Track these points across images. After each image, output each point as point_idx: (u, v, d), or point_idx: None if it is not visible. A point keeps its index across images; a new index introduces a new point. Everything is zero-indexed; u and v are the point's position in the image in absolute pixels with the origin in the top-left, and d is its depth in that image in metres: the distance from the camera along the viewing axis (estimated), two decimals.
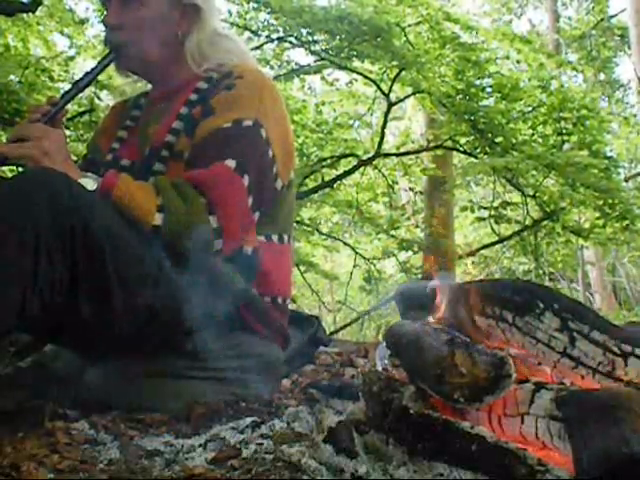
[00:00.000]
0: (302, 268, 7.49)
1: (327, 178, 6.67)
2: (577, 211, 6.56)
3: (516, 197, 7.08)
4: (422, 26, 6.08)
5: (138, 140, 1.60)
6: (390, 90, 6.00)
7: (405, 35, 5.82)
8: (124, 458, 1.02)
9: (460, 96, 5.92)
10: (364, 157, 6.51)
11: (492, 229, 7.25)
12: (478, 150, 6.31)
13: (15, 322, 1.18)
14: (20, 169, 1.45)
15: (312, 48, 5.76)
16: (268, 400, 1.36)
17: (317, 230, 7.69)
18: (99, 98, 5.36)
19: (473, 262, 10.43)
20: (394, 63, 5.53)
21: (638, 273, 12.42)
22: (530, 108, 6.20)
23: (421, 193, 8.55)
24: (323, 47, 5.71)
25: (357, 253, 7.93)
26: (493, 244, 8.40)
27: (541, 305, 0.89)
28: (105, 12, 1.59)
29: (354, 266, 8.17)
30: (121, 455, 1.04)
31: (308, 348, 1.74)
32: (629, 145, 9.22)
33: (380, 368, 1.10)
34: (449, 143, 6.57)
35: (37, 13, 4.72)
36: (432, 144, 6.87)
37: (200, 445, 1.08)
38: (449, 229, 8.00)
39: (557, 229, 6.78)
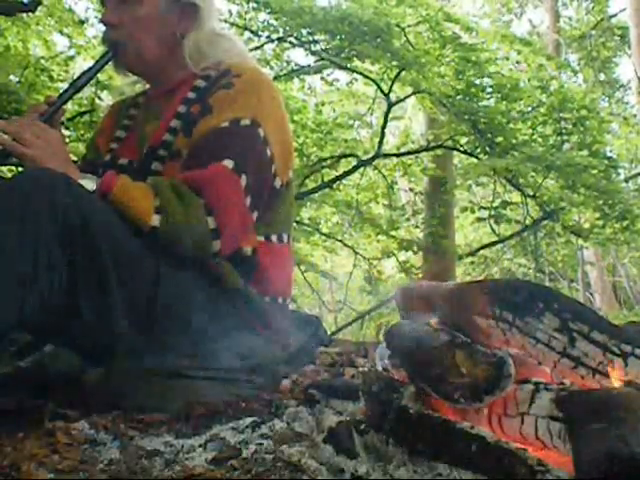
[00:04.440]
0: (302, 268, 7.49)
1: (327, 178, 6.67)
2: (577, 211, 6.56)
3: (516, 197, 7.09)
4: (422, 26, 6.08)
5: (136, 139, 1.60)
6: (390, 90, 6.00)
7: (405, 35, 5.82)
8: (124, 458, 1.02)
9: (460, 96, 5.93)
10: (364, 157, 6.51)
11: (492, 229, 7.25)
12: (478, 150, 6.31)
13: (15, 322, 1.18)
14: (20, 169, 1.45)
15: (312, 48, 5.76)
16: (268, 400, 1.36)
17: (317, 230, 7.69)
18: (99, 98, 5.36)
19: (473, 262, 10.43)
20: (394, 63, 5.53)
21: (638, 273, 12.42)
22: (530, 108, 6.20)
23: (421, 193, 8.55)
24: (323, 47, 5.71)
25: (357, 253, 7.94)
26: (493, 244, 8.41)
27: (541, 305, 0.89)
28: (104, 11, 1.58)
29: (354, 266, 8.18)
30: (121, 455, 1.04)
31: (308, 348, 1.74)
32: (629, 145, 9.21)
33: (380, 368, 1.10)
34: (449, 143, 6.58)
35: (37, 13, 4.72)
36: (432, 144, 6.87)
37: (200, 445, 1.08)
38: (449, 229, 8.00)
39: (557, 229, 6.79)
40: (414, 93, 6.15)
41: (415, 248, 7.79)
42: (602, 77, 14.02)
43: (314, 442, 1.02)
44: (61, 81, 5.47)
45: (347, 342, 3.06)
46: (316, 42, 5.69)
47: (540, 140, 6.22)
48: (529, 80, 6.55)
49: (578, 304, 0.91)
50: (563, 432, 0.80)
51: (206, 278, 1.40)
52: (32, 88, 4.98)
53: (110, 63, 1.60)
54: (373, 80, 6.14)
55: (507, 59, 6.69)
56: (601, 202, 5.76)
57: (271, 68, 6.17)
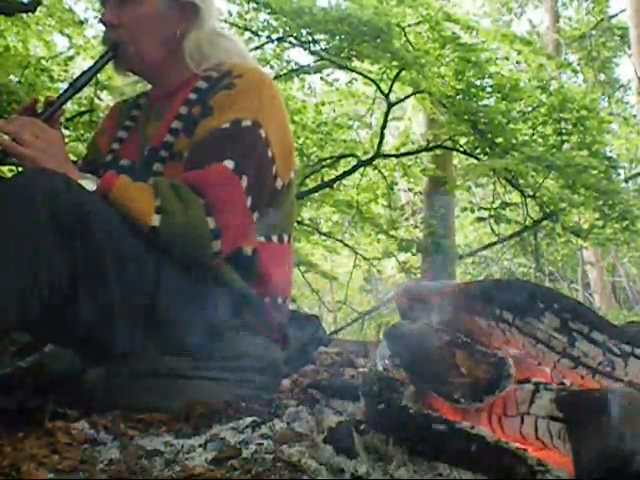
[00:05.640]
0: (302, 268, 7.49)
1: (327, 178, 6.67)
2: (577, 211, 6.56)
3: (516, 197, 7.09)
4: (422, 26, 6.08)
5: (137, 140, 1.60)
6: (390, 90, 6.00)
7: (405, 35, 5.82)
8: (124, 458, 1.02)
9: (460, 96, 5.92)
10: (364, 158, 6.51)
11: (492, 230, 7.25)
12: (478, 150, 6.31)
13: (15, 322, 1.18)
14: (20, 169, 1.45)
15: (312, 48, 5.76)
16: (268, 400, 1.36)
17: (317, 230, 7.69)
18: (99, 98, 5.36)
19: (473, 262, 10.43)
20: (394, 63, 5.52)
21: (638, 273, 12.43)
22: (530, 108, 6.20)
23: (421, 194, 8.55)
24: (323, 47, 5.71)
25: (357, 253, 7.93)
26: (493, 244, 8.41)
27: (541, 305, 0.90)
28: (103, 11, 1.58)
29: (354, 266, 8.17)
30: (121, 455, 1.04)
31: (308, 348, 1.74)
32: (629, 145, 9.22)
33: (380, 368, 1.10)
34: (449, 143, 6.57)
35: (37, 13, 4.71)
36: (432, 144, 6.87)
37: (200, 445, 1.08)
38: (449, 229, 8.00)
39: (557, 229, 6.78)
40: (414, 93, 6.14)
41: (415, 249, 7.78)
42: (602, 77, 14.03)
43: (314, 442, 1.02)
44: (61, 81, 5.46)
45: (347, 342, 3.07)
46: (316, 42, 5.68)
47: (540, 140, 6.21)
48: (529, 80, 6.55)
49: (578, 304, 0.91)
50: (563, 432, 0.80)
51: (206, 278, 1.40)
52: (32, 88, 4.97)
53: (110, 63, 1.60)
54: (373, 80, 6.14)
55: (507, 59, 6.68)
56: (601, 202, 5.75)
57: (271, 68, 6.17)
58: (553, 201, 6.17)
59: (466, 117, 5.79)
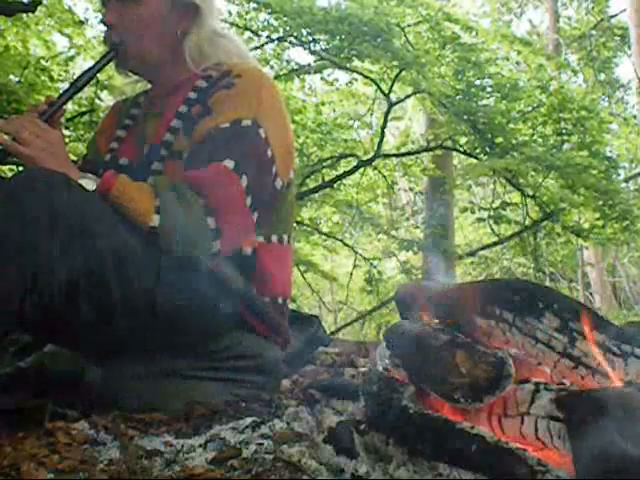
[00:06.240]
0: (302, 268, 7.49)
1: (327, 178, 6.67)
2: (577, 211, 6.57)
3: (516, 197, 7.10)
4: (422, 26, 6.09)
5: (137, 139, 1.60)
6: (390, 90, 6.01)
7: (405, 35, 5.83)
8: (124, 458, 1.02)
9: (460, 96, 5.93)
10: (364, 157, 6.51)
11: (492, 230, 7.26)
12: (478, 150, 6.32)
13: (15, 322, 1.18)
14: (20, 169, 1.45)
15: (312, 48, 5.76)
16: (268, 400, 1.36)
17: (317, 230, 7.69)
18: (99, 98, 5.36)
19: (473, 262, 10.43)
20: (394, 63, 5.53)
21: (638, 273, 12.43)
22: (530, 108, 6.21)
23: (421, 193, 8.56)
24: (323, 47, 5.71)
25: (357, 253, 7.94)
26: (493, 245, 8.41)
27: (541, 305, 0.90)
28: (104, 11, 1.58)
29: (354, 266, 8.18)
30: (121, 455, 1.04)
31: (308, 348, 1.74)
32: (629, 145, 9.21)
33: (380, 368, 1.10)
34: (449, 143, 6.58)
35: (37, 13, 4.72)
36: (432, 144, 6.88)
37: (200, 445, 1.08)
38: (449, 229, 8.01)
39: (557, 229, 6.79)
40: (414, 93, 6.15)
41: (415, 248, 7.78)
42: (602, 77, 14.03)
43: (314, 442, 1.02)
44: (61, 81, 5.47)
45: (347, 342, 3.07)
46: (316, 42, 5.69)
47: (540, 140, 6.22)
48: (529, 80, 6.56)
49: (578, 304, 0.91)
50: (563, 432, 0.80)
51: (206, 278, 1.39)
52: (32, 88, 4.98)
53: (111, 63, 1.60)
54: (373, 80, 6.14)
55: (507, 59, 6.69)
56: (601, 202, 5.76)
57: (271, 68, 6.17)
58: (553, 201, 6.17)
59: (466, 117, 5.80)
